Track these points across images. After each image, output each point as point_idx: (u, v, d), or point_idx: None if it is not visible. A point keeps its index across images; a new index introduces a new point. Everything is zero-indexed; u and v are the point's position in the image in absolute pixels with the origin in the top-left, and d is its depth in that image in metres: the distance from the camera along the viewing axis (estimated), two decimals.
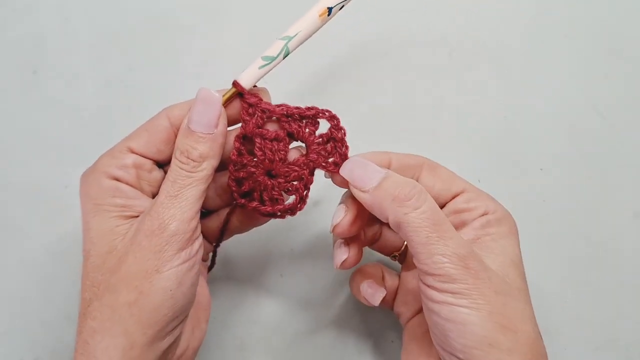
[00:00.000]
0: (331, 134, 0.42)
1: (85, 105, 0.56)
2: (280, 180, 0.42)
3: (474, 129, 0.57)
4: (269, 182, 0.42)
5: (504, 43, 0.58)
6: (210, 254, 0.48)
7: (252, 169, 0.42)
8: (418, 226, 0.37)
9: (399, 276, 0.48)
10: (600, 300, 0.54)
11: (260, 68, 0.41)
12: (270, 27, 0.58)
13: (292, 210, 0.42)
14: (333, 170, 0.42)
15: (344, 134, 0.42)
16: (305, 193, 0.42)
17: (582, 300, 0.54)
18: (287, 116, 0.42)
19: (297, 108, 0.42)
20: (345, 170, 0.40)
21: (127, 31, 0.57)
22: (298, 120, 0.42)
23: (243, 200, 0.42)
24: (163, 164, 0.42)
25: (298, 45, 0.42)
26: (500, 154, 0.56)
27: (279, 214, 0.42)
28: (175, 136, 0.40)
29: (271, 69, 0.42)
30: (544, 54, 0.58)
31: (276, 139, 0.42)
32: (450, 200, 0.43)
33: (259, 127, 0.41)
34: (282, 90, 0.57)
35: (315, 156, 0.42)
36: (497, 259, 0.40)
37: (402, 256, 0.49)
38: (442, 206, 0.43)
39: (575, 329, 0.54)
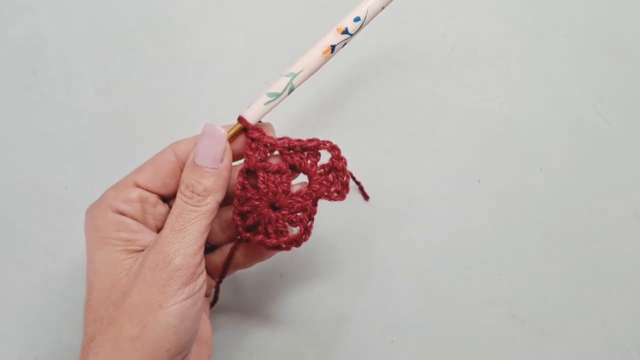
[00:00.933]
0: (332, 164, 0.43)
1: (85, 105, 0.56)
2: (284, 212, 0.42)
3: (474, 129, 0.57)
4: (273, 215, 0.42)
5: (504, 43, 0.58)
6: (213, 290, 0.48)
7: (256, 203, 0.42)
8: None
9: None
10: (600, 300, 0.54)
11: (265, 104, 0.42)
12: (269, 27, 0.58)
13: (297, 241, 0.43)
14: (336, 199, 0.43)
15: (345, 163, 0.43)
16: (309, 223, 0.43)
17: (582, 300, 0.54)
18: (289, 149, 0.43)
19: (299, 140, 0.43)
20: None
21: (127, 31, 0.57)
22: (300, 152, 0.43)
23: (248, 234, 0.43)
24: (168, 199, 0.42)
25: (302, 82, 0.43)
26: (500, 154, 0.56)
27: (284, 246, 0.42)
28: (181, 170, 0.41)
29: (276, 105, 0.42)
30: (544, 54, 0.58)
31: (279, 171, 0.42)
32: None
33: (261, 161, 0.42)
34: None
35: (318, 186, 0.42)
36: None
37: None
38: None
39: (575, 329, 0.54)
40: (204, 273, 0.40)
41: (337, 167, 0.43)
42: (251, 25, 0.58)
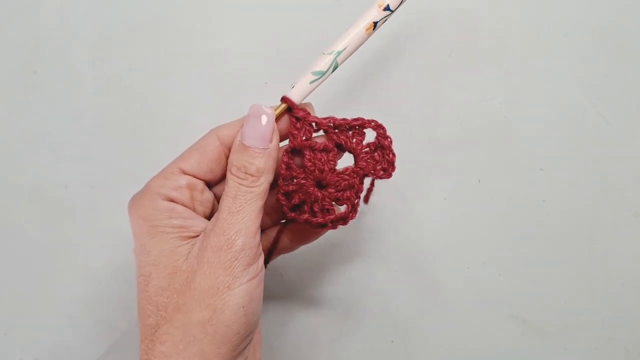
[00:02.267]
0: (379, 142, 0.43)
1: (85, 105, 0.56)
2: (330, 190, 0.42)
3: (474, 129, 0.57)
4: (319, 193, 0.42)
5: (504, 43, 0.58)
6: None
7: (302, 181, 0.42)
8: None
9: None
10: (600, 300, 0.54)
11: (310, 83, 0.42)
12: (270, 27, 0.58)
13: (344, 219, 0.42)
14: (382, 176, 0.43)
15: (391, 141, 0.43)
16: (356, 201, 0.43)
17: (582, 300, 0.54)
18: (335, 127, 0.43)
19: (344, 119, 0.43)
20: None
21: (127, 31, 0.57)
22: (345, 131, 0.43)
23: (293, 214, 0.42)
24: (212, 185, 0.43)
25: (345, 59, 0.43)
26: (500, 154, 0.56)
27: (330, 224, 0.42)
28: (226, 155, 0.41)
29: (320, 84, 0.43)
30: (544, 54, 0.58)
31: (325, 149, 0.42)
32: None
33: (307, 140, 0.42)
34: (283, 82, 0.57)
35: (365, 164, 0.43)
36: None
37: None
38: None
39: (575, 329, 0.54)
40: (262, 255, 0.40)
41: (384, 145, 0.43)
42: (251, 25, 0.58)
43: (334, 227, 0.43)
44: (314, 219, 0.42)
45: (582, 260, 0.55)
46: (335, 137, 0.42)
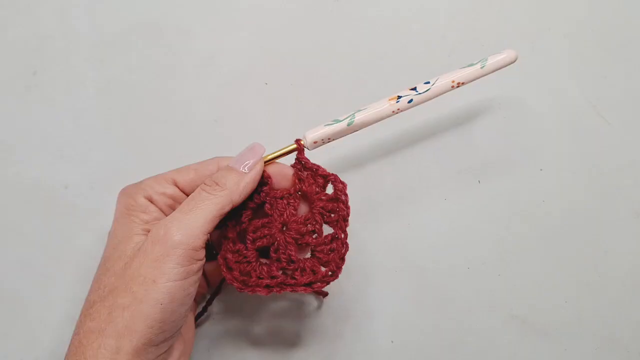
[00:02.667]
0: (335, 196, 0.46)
1: (85, 106, 0.56)
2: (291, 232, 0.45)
3: (474, 129, 0.56)
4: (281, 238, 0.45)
5: (504, 43, 0.58)
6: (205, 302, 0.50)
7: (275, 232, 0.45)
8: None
9: None
10: (600, 300, 0.54)
11: (325, 125, 0.45)
12: (270, 27, 0.58)
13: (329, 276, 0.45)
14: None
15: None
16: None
17: (582, 300, 0.54)
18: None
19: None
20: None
21: (127, 32, 0.57)
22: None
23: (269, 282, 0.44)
24: None
25: (364, 121, 0.45)
26: (500, 154, 0.56)
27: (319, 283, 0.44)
28: None
29: (335, 133, 0.45)
30: (544, 54, 0.58)
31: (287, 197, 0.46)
32: None
33: (316, 193, 0.46)
34: (283, 82, 0.57)
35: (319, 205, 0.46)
36: None
37: None
38: None
39: (575, 329, 0.54)
40: (202, 262, 0.41)
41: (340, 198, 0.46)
42: (251, 26, 0.58)
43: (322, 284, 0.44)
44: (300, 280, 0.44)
45: (582, 260, 0.55)
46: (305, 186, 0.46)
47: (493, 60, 0.47)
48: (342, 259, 0.44)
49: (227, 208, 0.41)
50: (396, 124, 0.57)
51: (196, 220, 0.40)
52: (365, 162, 0.56)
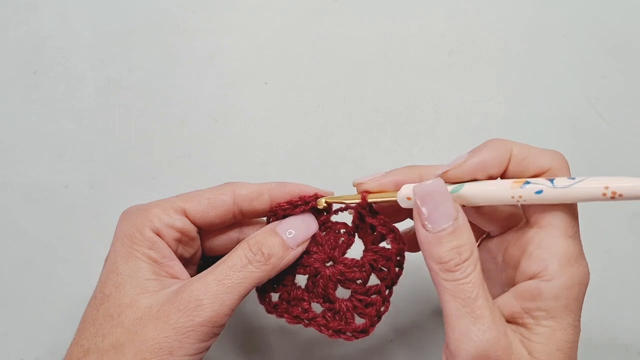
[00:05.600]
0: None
1: (85, 105, 0.56)
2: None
3: (474, 129, 0.56)
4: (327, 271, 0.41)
5: (503, 43, 0.58)
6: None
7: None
8: (452, 296, 0.34)
9: None
10: (600, 300, 0.54)
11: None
12: (270, 27, 0.58)
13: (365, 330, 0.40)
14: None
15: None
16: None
17: None
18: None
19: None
20: (420, 191, 0.35)
21: (127, 31, 0.57)
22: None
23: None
24: (203, 232, 0.42)
25: (470, 198, 0.36)
26: None
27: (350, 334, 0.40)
28: (234, 215, 0.40)
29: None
30: (543, 54, 0.58)
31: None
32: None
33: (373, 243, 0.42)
34: (283, 82, 0.57)
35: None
36: (537, 347, 0.34)
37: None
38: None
39: None
40: (220, 333, 0.38)
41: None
42: (251, 26, 0.58)
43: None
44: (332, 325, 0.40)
45: None
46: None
47: None
48: (379, 317, 0.40)
49: (264, 281, 0.38)
50: (396, 125, 0.57)
51: (232, 297, 0.36)
52: (365, 162, 0.56)
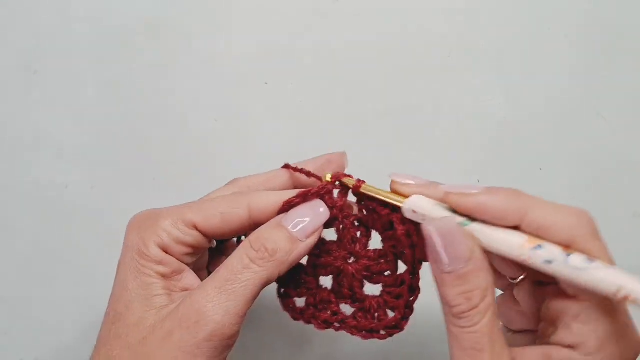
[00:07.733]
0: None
1: (85, 105, 0.56)
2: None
3: (473, 129, 0.57)
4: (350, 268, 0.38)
5: (503, 43, 0.58)
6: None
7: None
8: (457, 342, 0.32)
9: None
10: None
11: (435, 205, 0.35)
12: (269, 27, 0.58)
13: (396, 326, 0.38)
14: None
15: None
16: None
17: None
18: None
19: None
20: (435, 228, 0.32)
21: (127, 31, 0.57)
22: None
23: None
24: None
25: (481, 244, 0.33)
26: (499, 154, 0.56)
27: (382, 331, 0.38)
28: (249, 228, 0.37)
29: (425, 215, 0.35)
30: (543, 54, 0.58)
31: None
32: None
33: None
34: (283, 82, 0.57)
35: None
36: None
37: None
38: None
39: None
40: (232, 347, 0.35)
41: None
42: (251, 26, 0.58)
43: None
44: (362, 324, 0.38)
45: None
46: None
47: None
48: (410, 308, 0.37)
49: (273, 280, 0.35)
50: (396, 125, 0.57)
51: (237, 304, 0.33)
52: (365, 162, 0.56)
